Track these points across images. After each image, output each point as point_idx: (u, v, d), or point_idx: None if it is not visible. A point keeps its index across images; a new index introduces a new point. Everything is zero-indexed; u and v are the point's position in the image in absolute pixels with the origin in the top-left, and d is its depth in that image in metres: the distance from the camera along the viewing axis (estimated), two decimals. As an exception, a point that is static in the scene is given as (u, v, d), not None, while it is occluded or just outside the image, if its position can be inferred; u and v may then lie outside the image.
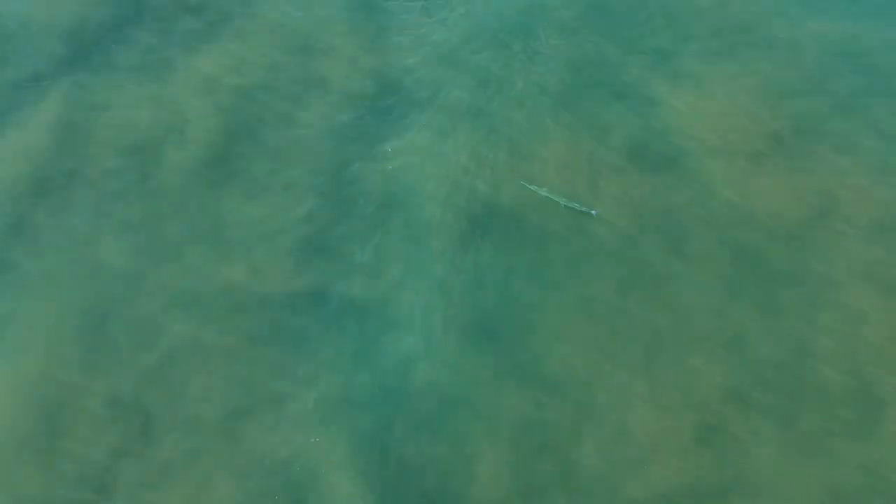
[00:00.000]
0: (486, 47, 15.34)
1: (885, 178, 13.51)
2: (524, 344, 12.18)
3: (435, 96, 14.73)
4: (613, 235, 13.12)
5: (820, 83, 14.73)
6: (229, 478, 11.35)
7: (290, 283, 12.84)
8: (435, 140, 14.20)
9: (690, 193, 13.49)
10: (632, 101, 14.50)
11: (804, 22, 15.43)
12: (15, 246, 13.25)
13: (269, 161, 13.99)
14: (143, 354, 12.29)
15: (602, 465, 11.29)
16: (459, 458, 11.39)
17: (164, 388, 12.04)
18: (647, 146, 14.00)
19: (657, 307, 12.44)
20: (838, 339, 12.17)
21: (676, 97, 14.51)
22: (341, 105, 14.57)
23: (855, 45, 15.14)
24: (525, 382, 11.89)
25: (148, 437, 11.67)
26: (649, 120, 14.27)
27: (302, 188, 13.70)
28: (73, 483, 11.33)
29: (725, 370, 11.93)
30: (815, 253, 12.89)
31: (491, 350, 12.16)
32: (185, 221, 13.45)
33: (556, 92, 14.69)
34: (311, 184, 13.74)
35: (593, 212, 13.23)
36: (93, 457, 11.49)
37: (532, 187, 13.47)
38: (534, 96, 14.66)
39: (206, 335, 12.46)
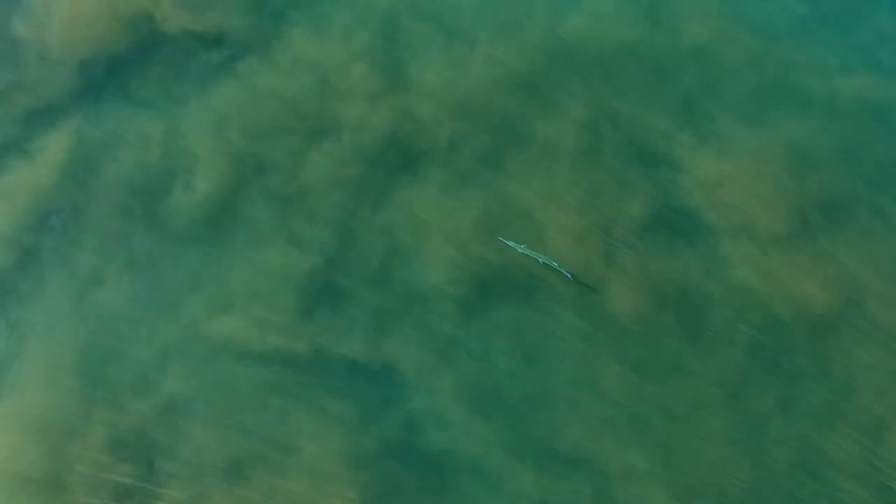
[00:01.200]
0: (509, 93, 14.67)
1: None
2: (536, 417, 12.02)
3: (449, 148, 14.19)
4: (628, 313, 12.67)
5: (852, 150, 13.91)
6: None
7: (291, 339, 12.66)
8: (444, 197, 13.77)
9: (709, 274, 12.93)
10: (653, 165, 13.84)
11: (840, 78, 14.54)
12: (21, 283, 13.31)
13: (275, 208, 13.74)
14: (142, 401, 12.28)
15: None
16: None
17: (163, 435, 12.05)
18: (667, 218, 13.43)
19: (671, 393, 12.10)
20: (854, 450, 11.62)
21: (701, 163, 13.78)
22: (353, 152, 14.18)
23: (891, 102, 14.30)
24: (537, 458, 11.79)
25: (152, 480, 11.73)
26: (670, 188, 13.65)
27: (306, 240, 13.41)
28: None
29: (740, 468, 11.61)
30: (835, 352, 12.29)
31: (501, 421, 12.02)
32: (186, 268, 13.31)
33: (574, 151, 14.07)
34: (317, 236, 13.44)
35: (569, 274, 12.86)
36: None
37: (510, 243, 13.13)
38: (550, 155, 14.05)
39: (204, 384, 12.42)
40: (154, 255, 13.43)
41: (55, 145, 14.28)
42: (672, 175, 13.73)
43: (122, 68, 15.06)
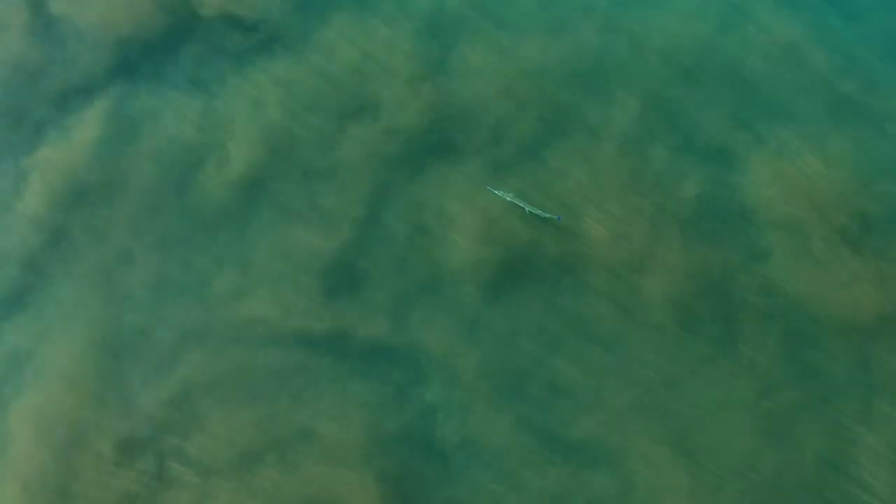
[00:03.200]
0: (558, 81, 14.22)
1: None
2: (558, 405, 11.81)
3: (489, 134, 13.86)
4: (664, 305, 12.36)
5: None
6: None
7: (315, 321, 12.49)
8: (478, 179, 13.48)
9: (751, 270, 12.54)
10: (706, 160, 13.45)
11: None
12: (52, 262, 13.28)
13: (306, 187, 13.57)
14: (160, 389, 12.17)
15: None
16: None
17: (180, 423, 11.93)
18: (713, 211, 13.03)
19: (700, 387, 11.83)
20: (886, 452, 11.30)
21: (758, 162, 13.37)
22: (388, 135, 13.90)
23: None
24: (558, 447, 11.58)
25: (163, 477, 11.61)
26: (721, 183, 13.25)
27: (335, 219, 13.22)
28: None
29: (766, 463, 11.34)
30: (872, 358, 11.86)
31: (524, 408, 11.82)
32: (215, 246, 13.20)
33: (621, 141, 13.63)
34: (346, 215, 13.24)
35: (558, 217, 12.81)
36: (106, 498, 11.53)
37: (498, 192, 13.05)
38: (599, 142, 13.62)
39: (223, 369, 12.26)
40: (184, 233, 13.34)
41: (89, 123, 14.21)
42: (725, 171, 13.32)
43: (157, 49, 14.93)
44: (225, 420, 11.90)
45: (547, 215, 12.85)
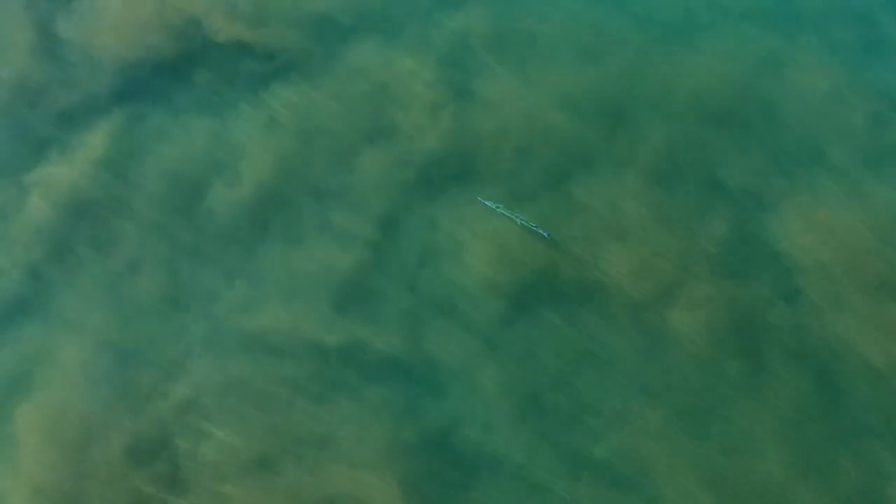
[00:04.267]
0: (584, 113, 13.77)
1: None
2: (582, 425, 11.45)
3: (510, 164, 13.45)
4: (692, 336, 11.94)
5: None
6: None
7: (326, 334, 12.16)
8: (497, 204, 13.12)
9: (784, 311, 12.07)
10: (736, 200, 12.98)
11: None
12: (56, 274, 12.89)
13: (319, 207, 13.22)
14: (170, 395, 11.85)
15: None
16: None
17: (192, 428, 11.62)
18: (743, 249, 12.54)
19: (729, 416, 11.46)
20: None
21: (792, 203, 12.89)
22: (405, 158, 13.51)
23: None
24: (578, 468, 11.20)
25: (175, 485, 11.25)
26: (751, 223, 12.77)
27: (348, 239, 12.87)
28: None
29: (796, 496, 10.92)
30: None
31: (542, 426, 11.49)
32: (224, 262, 12.85)
33: (649, 176, 13.18)
34: (359, 235, 12.89)
35: (545, 234, 12.67)
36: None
37: (489, 203, 12.91)
38: (624, 176, 13.16)
39: (234, 379, 11.94)
40: (192, 249, 12.99)
41: (95, 142, 13.87)
42: (756, 213, 12.87)
43: (167, 73, 14.56)
44: (238, 425, 11.63)
45: (537, 229, 12.66)
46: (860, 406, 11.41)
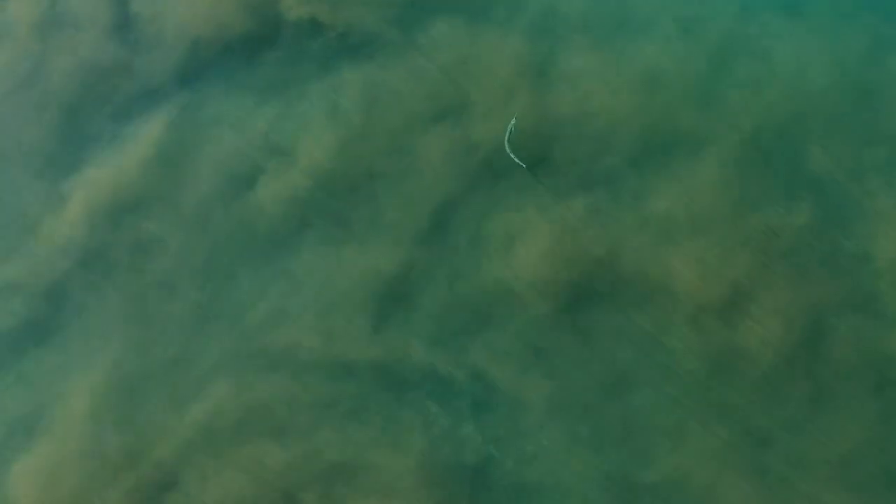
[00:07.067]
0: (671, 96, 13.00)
1: None
2: (635, 446, 10.88)
3: (585, 147, 12.80)
4: (759, 349, 11.19)
5: None
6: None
7: (362, 347, 11.76)
8: (560, 192, 12.55)
9: (863, 323, 11.20)
10: (820, 193, 12.09)
11: None
12: (79, 294, 12.76)
13: (369, 197, 12.85)
14: (185, 424, 11.58)
15: None
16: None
17: (211, 457, 11.35)
18: (821, 252, 11.69)
19: (793, 442, 10.75)
20: None
21: (882, 204, 11.91)
22: (469, 145, 12.94)
23: None
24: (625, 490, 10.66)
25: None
26: (834, 220, 11.85)
27: (395, 235, 12.43)
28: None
29: None
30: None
31: (595, 445, 11.00)
32: (262, 268, 12.54)
33: (730, 159, 12.38)
34: (407, 230, 12.45)
35: (523, 164, 12.55)
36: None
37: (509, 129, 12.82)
38: (701, 164, 12.38)
39: (257, 398, 11.61)
40: (231, 253, 12.75)
41: (148, 136, 13.78)
42: (839, 210, 11.96)
43: (236, 52, 14.38)
44: (254, 454, 11.29)
45: (515, 159, 12.56)
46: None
